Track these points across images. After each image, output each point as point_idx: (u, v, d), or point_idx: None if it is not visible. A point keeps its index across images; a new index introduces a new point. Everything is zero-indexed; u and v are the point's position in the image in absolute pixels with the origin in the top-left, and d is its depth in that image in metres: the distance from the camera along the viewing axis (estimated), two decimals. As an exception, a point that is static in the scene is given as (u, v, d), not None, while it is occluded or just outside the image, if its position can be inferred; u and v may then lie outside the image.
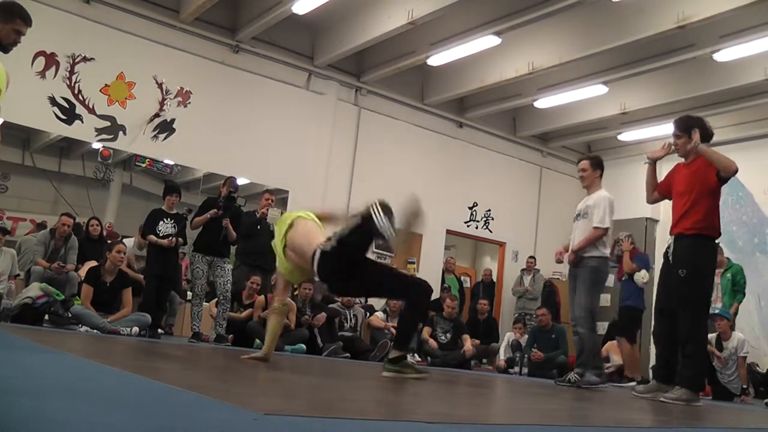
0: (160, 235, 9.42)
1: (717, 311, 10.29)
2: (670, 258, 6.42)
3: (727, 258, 10.93)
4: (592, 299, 7.71)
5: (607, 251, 7.81)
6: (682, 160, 6.64)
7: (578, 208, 8.06)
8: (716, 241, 6.42)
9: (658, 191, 6.88)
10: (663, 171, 7.10)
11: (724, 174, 6.16)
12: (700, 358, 6.29)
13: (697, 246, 6.23)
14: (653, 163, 6.97)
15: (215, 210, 9.55)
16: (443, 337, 11.43)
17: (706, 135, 6.40)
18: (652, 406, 5.78)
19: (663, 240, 15.47)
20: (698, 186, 6.26)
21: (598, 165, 8.08)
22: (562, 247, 8.26)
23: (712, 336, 10.16)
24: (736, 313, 10.82)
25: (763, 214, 14.50)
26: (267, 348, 5.71)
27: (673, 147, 6.73)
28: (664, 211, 15.72)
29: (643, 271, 10.53)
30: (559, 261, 8.50)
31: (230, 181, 9.97)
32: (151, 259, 9.61)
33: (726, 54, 11.58)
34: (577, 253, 7.72)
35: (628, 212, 16.45)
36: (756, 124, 14.39)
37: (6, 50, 5.03)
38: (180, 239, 9.59)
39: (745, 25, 10.88)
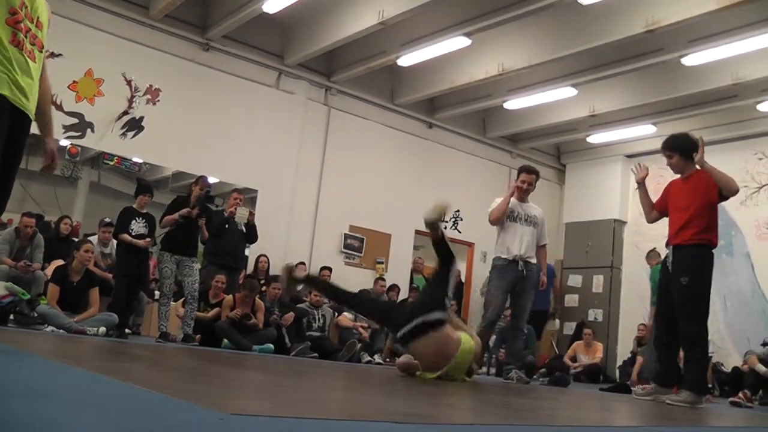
0: (133, 234, 9.34)
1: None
2: (670, 267, 6.74)
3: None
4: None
5: None
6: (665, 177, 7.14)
7: (518, 211, 8.48)
8: (712, 251, 6.74)
9: (656, 210, 7.17)
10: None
11: (726, 193, 6.54)
12: (702, 362, 6.70)
13: (698, 255, 6.60)
14: (642, 184, 7.26)
15: (188, 209, 9.47)
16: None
17: (695, 149, 6.76)
18: (625, 406, 5.83)
19: (630, 241, 15.77)
20: (698, 200, 6.60)
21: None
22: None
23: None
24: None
25: (729, 217, 14.62)
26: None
27: (639, 167, 7.35)
28: (632, 212, 15.89)
29: None
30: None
31: (202, 180, 9.90)
32: (122, 259, 9.51)
33: (694, 58, 11.69)
34: (530, 262, 8.29)
35: (596, 214, 16.65)
36: (723, 128, 14.53)
37: None
38: (149, 240, 9.55)
39: (713, 31, 10.99)
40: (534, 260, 8.27)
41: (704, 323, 6.69)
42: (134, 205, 9.60)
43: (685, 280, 6.55)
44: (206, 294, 10.17)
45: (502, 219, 8.25)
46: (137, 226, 9.40)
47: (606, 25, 11.25)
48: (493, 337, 12.14)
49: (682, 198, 6.77)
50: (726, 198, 6.61)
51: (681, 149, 6.79)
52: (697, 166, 6.76)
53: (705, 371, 6.92)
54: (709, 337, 10.25)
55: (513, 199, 8.51)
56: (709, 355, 10.23)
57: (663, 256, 7.22)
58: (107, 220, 10.47)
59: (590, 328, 13.51)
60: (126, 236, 9.32)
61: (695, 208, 6.60)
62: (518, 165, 16.83)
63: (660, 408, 5.96)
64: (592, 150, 16.86)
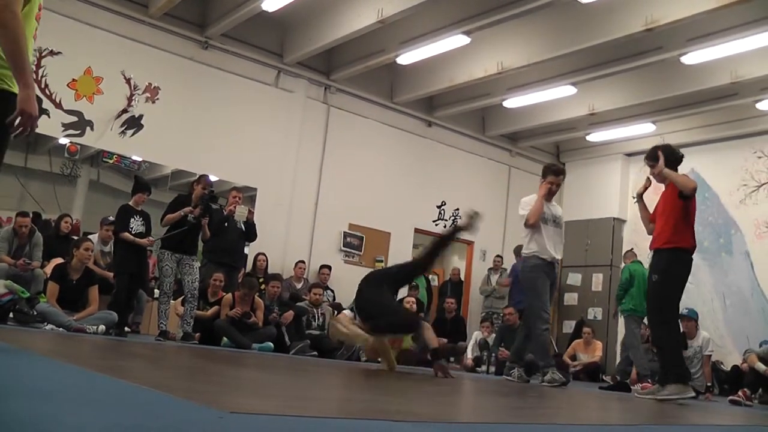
0: (133, 232, 9.31)
1: (685, 311, 10.41)
2: (648, 270, 7.12)
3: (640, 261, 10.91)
4: None
5: None
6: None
7: (546, 212, 8.17)
8: (692, 255, 6.93)
9: (651, 221, 7.31)
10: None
11: (685, 192, 6.77)
12: (676, 356, 6.87)
13: (671, 258, 6.80)
14: (640, 198, 7.47)
15: (191, 208, 9.45)
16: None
17: (675, 159, 7.01)
18: (625, 405, 5.83)
19: (629, 240, 15.73)
20: (669, 205, 6.88)
21: None
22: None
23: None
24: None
25: (728, 215, 14.66)
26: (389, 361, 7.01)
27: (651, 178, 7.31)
28: (631, 211, 15.88)
29: None
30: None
31: (205, 179, 9.89)
32: (122, 257, 9.47)
33: (693, 57, 11.69)
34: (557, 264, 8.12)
35: (595, 212, 16.64)
36: (722, 127, 14.56)
37: None
38: (152, 239, 9.54)
39: (712, 29, 10.99)
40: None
41: (672, 319, 6.92)
42: (130, 203, 9.56)
43: (655, 277, 6.84)
44: (205, 292, 10.16)
45: (538, 221, 8.14)
46: (136, 224, 9.37)
47: (605, 23, 11.25)
48: (493, 335, 12.16)
49: (660, 204, 7.08)
50: (687, 197, 6.81)
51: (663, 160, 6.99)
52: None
53: (681, 363, 7.05)
54: (708, 336, 10.38)
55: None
56: (710, 353, 10.31)
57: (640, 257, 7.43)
58: (110, 218, 10.43)
59: (589, 326, 13.48)
60: (128, 235, 9.27)
61: (666, 213, 6.90)
62: (517, 163, 17.10)
63: (660, 407, 5.97)
64: (591, 148, 16.86)
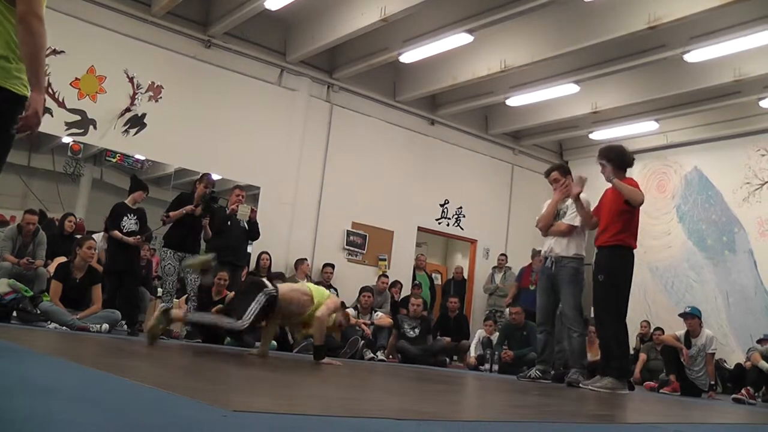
0: (124, 231, 9.32)
1: (688, 309, 10.42)
2: (593, 266, 7.51)
3: None
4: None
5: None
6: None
7: (559, 211, 8.19)
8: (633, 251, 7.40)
9: (596, 215, 7.69)
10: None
11: (632, 203, 7.23)
12: (622, 353, 7.39)
13: (614, 255, 7.25)
14: (576, 198, 7.74)
15: (192, 206, 9.46)
16: (411, 333, 11.43)
17: (627, 162, 7.53)
18: (628, 403, 5.83)
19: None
20: (614, 207, 7.30)
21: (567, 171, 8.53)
22: None
23: (681, 333, 10.30)
24: None
25: (731, 213, 14.64)
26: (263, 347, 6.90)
27: (585, 179, 7.78)
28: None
29: None
30: None
31: (207, 178, 9.90)
32: (112, 255, 9.46)
33: (696, 55, 11.67)
34: (562, 257, 8.05)
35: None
36: (725, 125, 14.54)
37: None
38: (141, 237, 9.53)
39: (715, 27, 10.97)
40: (567, 253, 7.91)
41: (621, 317, 7.28)
42: (127, 201, 9.56)
43: (602, 277, 7.22)
44: (209, 291, 10.15)
45: (545, 225, 8.13)
46: (128, 222, 9.38)
47: (608, 21, 11.24)
48: (496, 333, 12.15)
49: (607, 203, 7.45)
50: (634, 207, 7.23)
51: (613, 160, 7.43)
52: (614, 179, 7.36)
53: (625, 360, 7.53)
54: (712, 334, 10.40)
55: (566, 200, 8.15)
56: (714, 351, 10.31)
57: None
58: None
59: (592, 325, 13.47)
60: (117, 233, 9.29)
61: (612, 214, 7.29)
62: (520, 162, 17.11)
63: (663, 405, 5.97)
64: (594, 147, 16.64)
